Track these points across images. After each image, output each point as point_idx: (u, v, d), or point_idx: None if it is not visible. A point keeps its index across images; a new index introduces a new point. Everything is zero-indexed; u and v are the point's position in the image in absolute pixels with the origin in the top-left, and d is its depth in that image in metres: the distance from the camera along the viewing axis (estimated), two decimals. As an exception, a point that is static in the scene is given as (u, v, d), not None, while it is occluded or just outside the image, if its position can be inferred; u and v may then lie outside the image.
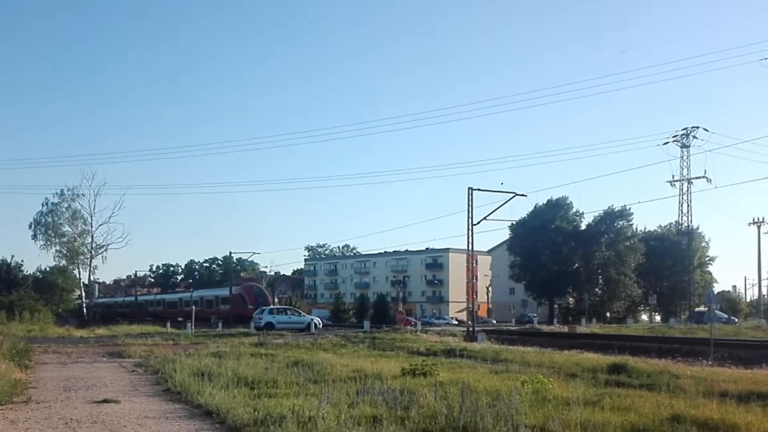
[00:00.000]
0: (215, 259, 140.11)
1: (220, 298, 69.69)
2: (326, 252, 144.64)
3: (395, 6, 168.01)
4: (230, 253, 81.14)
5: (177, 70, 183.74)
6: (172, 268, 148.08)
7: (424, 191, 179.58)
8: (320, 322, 46.76)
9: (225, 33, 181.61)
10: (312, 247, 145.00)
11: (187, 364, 16.79)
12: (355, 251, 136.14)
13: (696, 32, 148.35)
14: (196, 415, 10.97)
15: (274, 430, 8.66)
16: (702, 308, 70.61)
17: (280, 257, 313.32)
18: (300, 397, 11.56)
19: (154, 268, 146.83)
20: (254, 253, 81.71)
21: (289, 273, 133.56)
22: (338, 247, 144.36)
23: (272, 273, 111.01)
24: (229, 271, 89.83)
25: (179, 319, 55.10)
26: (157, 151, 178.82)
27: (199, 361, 17.91)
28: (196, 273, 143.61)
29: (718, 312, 72.02)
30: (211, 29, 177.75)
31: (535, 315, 73.15)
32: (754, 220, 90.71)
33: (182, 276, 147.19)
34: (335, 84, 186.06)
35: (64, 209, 65.67)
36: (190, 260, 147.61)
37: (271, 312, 45.76)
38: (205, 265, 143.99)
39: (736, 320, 68.20)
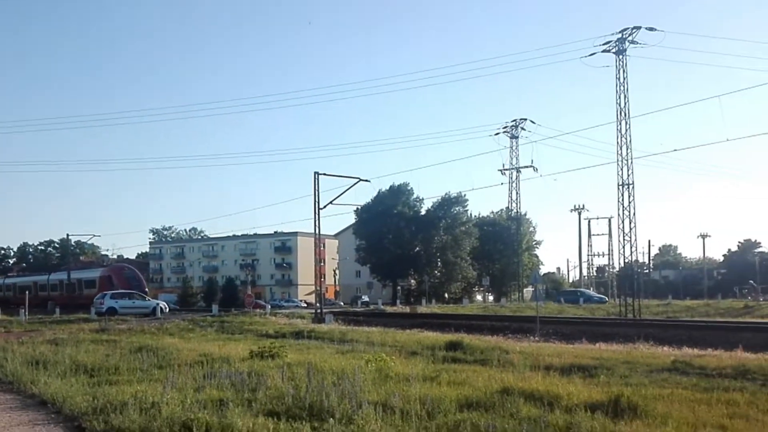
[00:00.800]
0: (51, 241, 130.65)
1: (84, 282, 61.71)
2: (173, 235, 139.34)
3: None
4: (67, 235, 76.14)
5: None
6: (2, 251, 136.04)
7: (272, 175, 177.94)
8: (167, 306, 45.24)
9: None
10: (157, 230, 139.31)
11: (20, 352, 15.80)
12: (202, 234, 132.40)
13: (525, 30, 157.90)
14: (29, 405, 10.45)
15: (114, 417, 8.42)
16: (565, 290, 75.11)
17: (123, 240, 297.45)
18: (143, 383, 11.28)
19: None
20: (94, 235, 76.72)
21: (133, 256, 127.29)
22: (185, 230, 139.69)
23: (114, 256, 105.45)
24: (67, 254, 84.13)
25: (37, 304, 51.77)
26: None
27: (33, 348, 16.89)
28: (30, 257, 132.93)
29: (589, 292, 77.66)
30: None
31: (365, 297, 75.65)
32: (575, 206, 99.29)
33: (14, 260, 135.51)
34: (192, 60, 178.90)
35: None
36: (24, 243, 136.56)
37: (113, 297, 43.55)
38: (40, 248, 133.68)
39: (606, 299, 73.01)
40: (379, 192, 74.73)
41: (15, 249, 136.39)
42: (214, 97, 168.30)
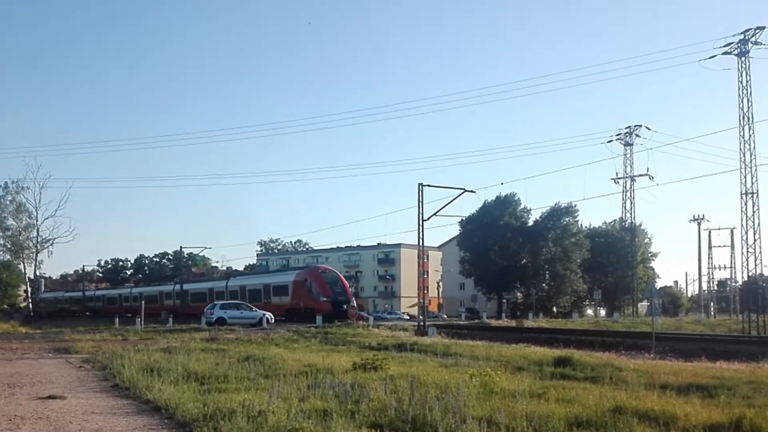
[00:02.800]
0: (165, 253, 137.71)
1: (273, 287, 54.27)
2: (279, 247, 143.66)
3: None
4: (181, 247, 79.95)
5: (129, 59, 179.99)
6: (121, 263, 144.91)
7: (376, 187, 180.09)
8: (272, 317, 46.58)
9: (178, 24, 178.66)
10: (264, 242, 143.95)
11: (136, 359, 16.58)
12: (307, 246, 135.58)
13: (638, 33, 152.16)
14: (144, 410, 10.86)
15: (223, 424, 8.61)
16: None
17: (232, 252, 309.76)
18: (250, 391, 11.52)
19: (102, 263, 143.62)
20: (205, 247, 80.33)
21: (241, 268, 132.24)
22: (291, 242, 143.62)
23: (224, 268, 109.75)
24: (180, 265, 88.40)
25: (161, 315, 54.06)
26: (103, 143, 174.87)
27: (148, 356, 17.70)
28: (145, 268, 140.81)
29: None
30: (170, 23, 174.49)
31: (477, 308, 74.28)
32: (694, 216, 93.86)
33: (131, 271, 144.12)
34: (288, 78, 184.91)
35: (8, 202, 63.44)
36: (140, 255, 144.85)
37: (222, 307, 45.31)
38: (155, 259, 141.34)
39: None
40: (484, 203, 73.77)
41: (132, 261, 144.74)
42: (316, 112, 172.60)
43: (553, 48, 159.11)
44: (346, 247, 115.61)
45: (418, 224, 42.89)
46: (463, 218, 68.59)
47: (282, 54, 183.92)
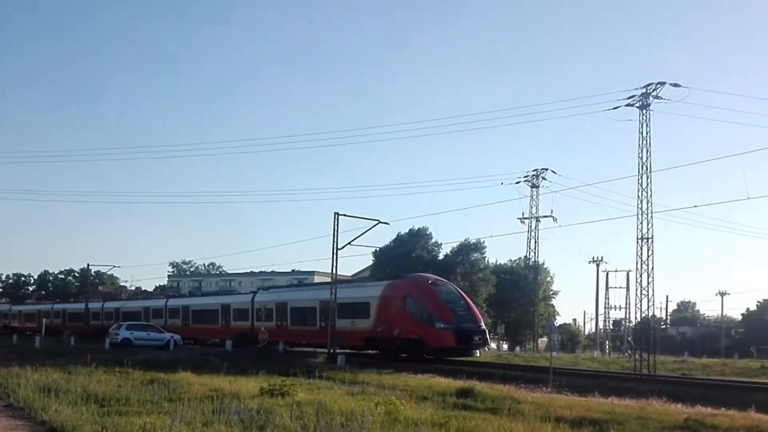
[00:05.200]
0: (71, 270, 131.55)
1: (357, 305, 36.79)
2: (191, 269, 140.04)
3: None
4: (88, 265, 76.39)
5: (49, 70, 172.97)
6: (23, 278, 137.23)
7: (290, 214, 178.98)
8: (180, 340, 45.20)
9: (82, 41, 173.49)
10: (177, 263, 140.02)
11: (33, 379, 15.94)
12: (220, 270, 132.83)
13: (552, 79, 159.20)
14: (38, 431, 10.55)
15: (124, 447, 8.54)
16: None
17: (142, 272, 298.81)
18: (153, 415, 11.35)
19: (3, 278, 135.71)
20: (114, 266, 77.07)
21: (151, 288, 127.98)
22: (203, 264, 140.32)
23: (132, 287, 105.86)
24: (86, 283, 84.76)
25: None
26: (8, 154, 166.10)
27: (46, 376, 17.02)
28: (50, 285, 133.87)
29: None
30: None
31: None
32: (593, 258, 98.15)
33: (34, 287, 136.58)
34: (217, 101, 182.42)
35: None
36: (44, 271, 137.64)
37: (129, 328, 43.61)
38: (60, 276, 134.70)
39: None
40: (398, 235, 74.66)
41: (35, 276, 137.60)
42: (239, 135, 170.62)
43: (470, 89, 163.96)
44: (260, 272, 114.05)
45: (333, 252, 43.04)
46: (377, 249, 69.30)
47: (204, 74, 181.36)
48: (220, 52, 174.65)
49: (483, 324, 34.22)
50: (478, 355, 32.60)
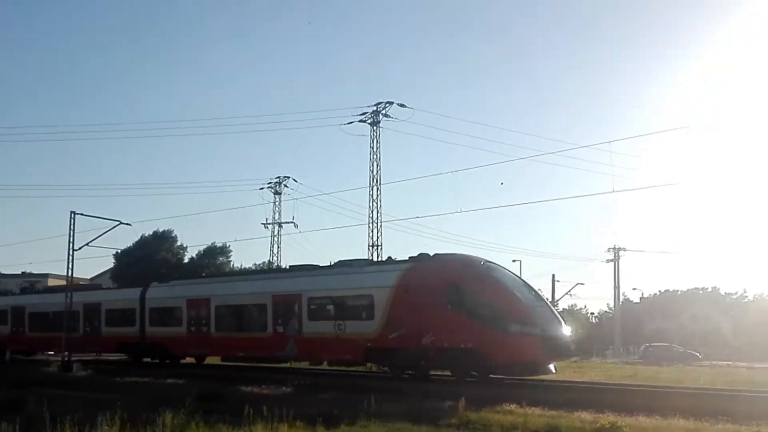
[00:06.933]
0: None
1: (348, 301, 25.00)
2: None
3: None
4: None
5: None
6: None
7: (21, 211, 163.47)
8: None
9: None
10: None
11: None
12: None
13: (298, 89, 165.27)
14: None
15: None
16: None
17: None
18: None
19: None
20: None
21: None
22: None
23: None
24: None
25: None
26: None
27: None
28: None
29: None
30: None
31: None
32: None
33: None
34: None
35: None
36: None
37: None
38: None
39: None
40: (141, 237, 73.72)
41: None
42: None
43: (216, 93, 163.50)
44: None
45: (69, 253, 41.87)
46: (118, 251, 67.92)
47: None
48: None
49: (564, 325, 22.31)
50: (554, 371, 21.91)
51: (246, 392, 18.76)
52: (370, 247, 59.51)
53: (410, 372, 23.19)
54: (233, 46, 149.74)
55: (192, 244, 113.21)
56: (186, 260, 78.39)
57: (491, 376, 21.76)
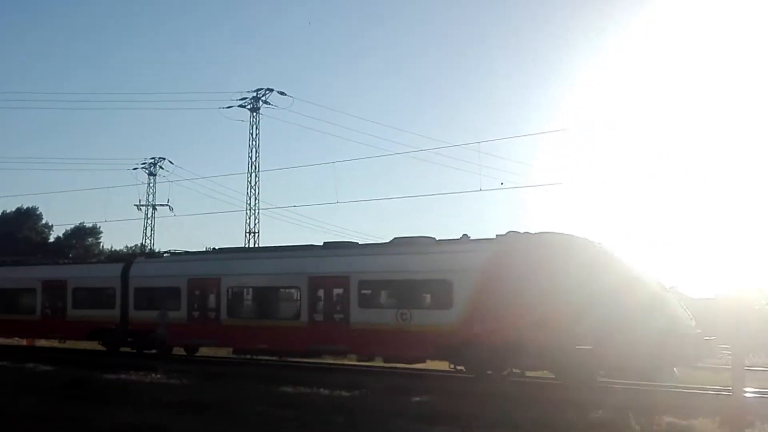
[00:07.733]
0: None
1: (414, 286, 20.53)
2: None
3: None
4: None
5: None
6: None
7: None
8: None
9: None
10: None
11: None
12: None
13: (171, 68, 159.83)
14: None
15: None
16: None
17: None
18: None
19: None
20: None
21: None
22: None
23: None
24: None
25: None
26: None
27: None
28: None
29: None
30: None
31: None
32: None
33: None
34: None
35: None
36: None
37: None
38: None
39: None
40: (2, 213, 69.91)
41: None
42: None
43: (90, 64, 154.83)
44: None
45: None
46: (-25, 229, 63.87)
47: None
48: None
49: None
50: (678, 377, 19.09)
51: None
52: (247, 234, 59.25)
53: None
54: (112, 22, 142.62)
55: (59, 223, 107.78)
56: (52, 239, 74.91)
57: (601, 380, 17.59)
